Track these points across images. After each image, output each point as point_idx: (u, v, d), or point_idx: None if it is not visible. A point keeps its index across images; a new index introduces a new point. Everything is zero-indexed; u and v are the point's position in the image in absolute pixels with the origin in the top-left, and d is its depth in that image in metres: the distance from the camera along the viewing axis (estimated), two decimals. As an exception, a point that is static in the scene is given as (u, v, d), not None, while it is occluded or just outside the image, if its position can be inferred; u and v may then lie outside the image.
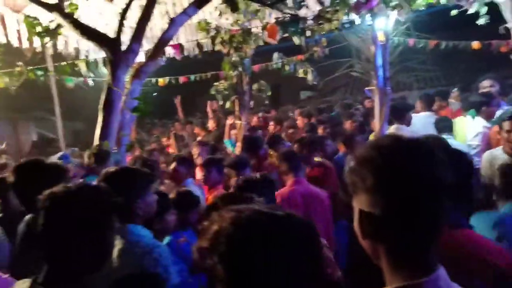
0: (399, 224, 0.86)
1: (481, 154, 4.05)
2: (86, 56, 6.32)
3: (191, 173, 4.06)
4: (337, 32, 3.79)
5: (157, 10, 5.96)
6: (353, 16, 4.36)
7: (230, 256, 0.82)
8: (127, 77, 3.32)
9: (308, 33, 4.04)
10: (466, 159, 1.56)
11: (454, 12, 4.30)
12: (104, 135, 2.99)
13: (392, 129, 4.46)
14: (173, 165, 3.97)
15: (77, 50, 6.26)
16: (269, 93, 4.48)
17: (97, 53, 6.29)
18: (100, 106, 3.06)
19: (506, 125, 3.12)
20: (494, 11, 3.65)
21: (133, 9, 4.03)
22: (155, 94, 15.01)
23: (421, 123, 4.85)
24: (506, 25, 3.48)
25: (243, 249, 0.82)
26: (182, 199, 2.80)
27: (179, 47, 5.29)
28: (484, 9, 4.06)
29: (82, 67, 5.83)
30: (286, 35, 4.56)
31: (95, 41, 3.16)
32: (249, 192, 1.77)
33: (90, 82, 7.82)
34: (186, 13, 3.41)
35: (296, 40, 4.06)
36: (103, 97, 3.06)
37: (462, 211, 1.46)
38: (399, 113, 4.58)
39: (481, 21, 4.06)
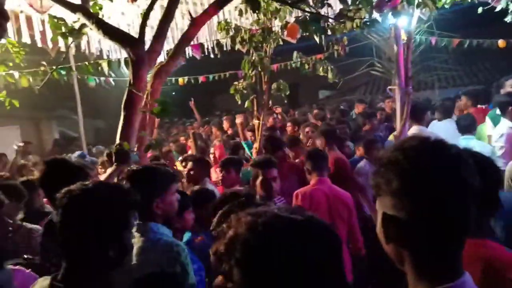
0: (425, 228, 0.85)
1: (506, 157, 3.94)
2: (108, 56, 6.44)
3: (207, 174, 4.08)
4: (358, 31, 3.72)
5: (178, 10, 6.05)
6: (375, 14, 4.30)
7: (247, 262, 0.81)
8: (148, 77, 3.35)
9: (329, 32, 4.00)
10: (494, 166, 1.51)
11: (480, 10, 4.19)
12: (125, 135, 3.02)
13: (413, 130, 4.38)
14: (189, 166, 4.00)
15: (99, 50, 6.36)
16: (288, 93, 4.45)
17: (119, 53, 6.41)
18: (122, 105, 3.10)
19: None
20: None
21: (155, 10, 4.08)
22: (173, 93, 15.17)
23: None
24: (536, 22, 3.35)
25: (260, 255, 0.80)
26: (198, 196, 2.82)
27: (199, 47, 5.31)
28: (511, 6, 3.94)
29: (104, 66, 5.93)
30: (306, 34, 4.54)
31: (118, 41, 3.19)
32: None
33: (112, 81, 7.96)
34: (207, 13, 3.41)
35: (316, 38, 4.02)
36: (124, 97, 3.10)
37: (488, 219, 1.41)
38: (420, 113, 4.49)
39: (508, 18, 3.94)
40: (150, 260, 1.79)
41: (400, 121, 4.00)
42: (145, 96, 3.01)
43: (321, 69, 4.78)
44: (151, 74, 3.32)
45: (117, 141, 2.95)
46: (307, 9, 3.38)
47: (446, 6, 3.90)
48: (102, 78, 7.85)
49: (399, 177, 0.85)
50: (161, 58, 3.92)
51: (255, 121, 4.64)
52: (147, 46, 3.22)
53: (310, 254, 0.80)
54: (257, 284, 0.80)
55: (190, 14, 3.43)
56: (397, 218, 0.86)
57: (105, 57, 6.42)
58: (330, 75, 4.78)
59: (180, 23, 5.69)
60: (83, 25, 3.28)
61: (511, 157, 3.67)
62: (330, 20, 3.79)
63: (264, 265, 0.79)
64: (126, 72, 6.13)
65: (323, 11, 3.84)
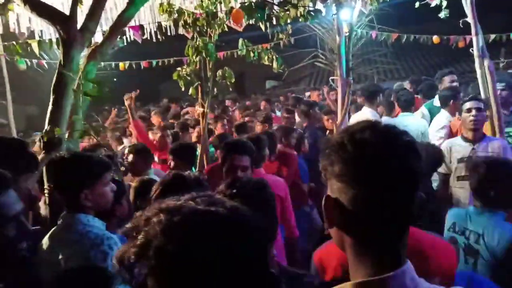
0: (366, 214, 0.82)
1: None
2: (40, 36, 5.95)
3: (149, 164, 3.94)
4: (303, 21, 3.74)
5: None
6: (319, 5, 4.35)
7: (162, 270, 0.70)
8: (82, 58, 3.13)
9: (274, 20, 3.98)
10: (437, 151, 1.58)
11: (417, 5, 4.38)
12: (55, 120, 2.80)
13: (364, 112, 4.55)
14: (130, 157, 3.82)
15: (30, 30, 5.88)
16: (233, 80, 4.37)
17: (53, 34, 5.95)
18: (52, 88, 2.86)
19: (466, 105, 3.27)
20: (456, 6, 3.73)
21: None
22: (115, 79, 14.49)
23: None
24: (466, 19, 3.57)
25: (179, 261, 0.69)
26: (141, 186, 2.69)
27: (140, 28, 5.06)
28: (444, 3, 4.16)
29: (34, 47, 5.48)
30: (252, 22, 4.48)
31: (47, 17, 2.93)
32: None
33: (46, 64, 7.41)
34: (147, -7, 3.24)
35: (262, 26, 3.98)
36: (54, 78, 2.86)
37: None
38: (372, 95, 4.68)
39: (442, 15, 4.16)
40: (78, 253, 1.66)
41: (341, 110, 4.11)
42: (77, 78, 2.80)
43: (266, 58, 4.76)
44: (85, 55, 3.10)
45: (46, 126, 2.73)
46: (251, -6, 3.32)
47: (386, 0, 4.03)
48: (35, 61, 7.28)
49: (343, 160, 0.83)
50: (99, 39, 3.68)
51: (199, 109, 4.53)
52: (80, 25, 3.00)
53: (237, 253, 0.73)
54: None
55: (129, -7, 3.23)
56: (340, 202, 0.83)
57: (36, 37, 5.93)
58: (275, 65, 4.77)
59: (120, 4, 5.39)
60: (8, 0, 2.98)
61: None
62: (275, 8, 3.77)
63: (185, 271, 0.69)
64: (59, 55, 5.71)
65: (268, -2, 3.81)
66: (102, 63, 9.32)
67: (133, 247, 0.72)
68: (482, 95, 3.49)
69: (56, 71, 2.88)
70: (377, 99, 4.93)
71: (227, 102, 9.25)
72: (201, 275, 0.70)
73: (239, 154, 2.77)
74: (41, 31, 6.04)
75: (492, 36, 8.47)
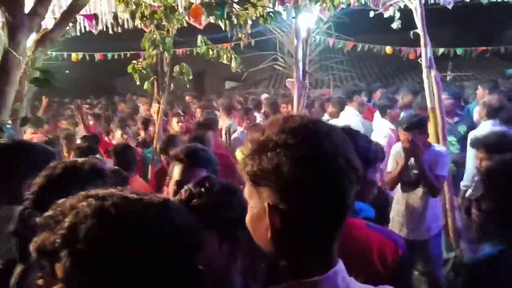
0: (305, 218, 0.78)
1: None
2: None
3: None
4: (262, 23, 3.77)
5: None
6: (279, 8, 4.41)
7: (91, 254, 0.65)
8: (29, 44, 2.97)
9: (234, 20, 3.98)
10: (376, 147, 1.62)
11: (371, 14, 4.56)
12: (-3, 106, 2.63)
13: (349, 111, 4.70)
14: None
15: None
16: (191, 77, 4.33)
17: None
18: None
19: (400, 132, 3.34)
20: (408, 19, 3.92)
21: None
22: (67, 71, 13.87)
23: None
24: (416, 30, 3.76)
25: (108, 245, 0.66)
26: None
27: (94, 18, 4.88)
28: (397, 14, 4.37)
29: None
30: (212, 21, 4.46)
31: (-9, -2, 2.75)
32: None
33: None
34: (103, -20, 3.13)
35: (221, 24, 3.98)
36: (-2, 62, 2.69)
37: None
38: (351, 94, 4.91)
39: (394, 25, 4.36)
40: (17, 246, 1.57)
41: (297, 110, 4.19)
42: (24, 64, 2.65)
43: (224, 57, 4.76)
44: (33, 40, 2.94)
45: (-14, 113, 2.56)
46: (212, -9, 3.30)
47: (343, 6, 4.16)
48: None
49: (291, 162, 0.76)
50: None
51: (155, 105, 4.45)
52: (28, 9, 2.84)
53: (174, 243, 0.71)
54: (100, 282, 0.66)
55: (84, -21, 3.11)
56: (280, 208, 0.78)
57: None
58: (233, 64, 4.78)
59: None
60: None
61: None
62: (235, 7, 3.78)
63: (116, 255, 0.66)
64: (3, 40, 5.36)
65: (228, -4, 3.81)
66: (54, 53, 8.90)
67: (57, 232, 0.67)
68: (428, 104, 3.69)
69: (0, 55, 2.71)
70: (355, 98, 5.09)
71: (187, 98, 9.12)
72: (131, 260, 0.67)
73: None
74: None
75: (441, 50, 9.00)
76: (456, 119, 4.38)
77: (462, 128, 4.29)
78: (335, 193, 0.78)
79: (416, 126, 3.18)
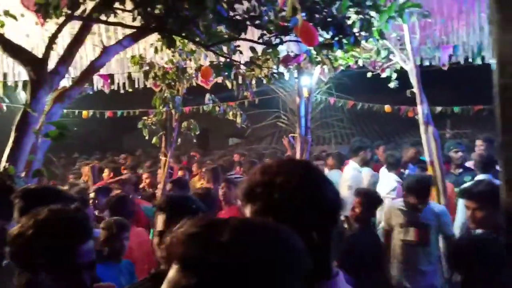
0: None
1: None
2: (4, 78, 5.91)
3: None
4: (267, 82, 4.02)
5: (91, 41, 5.88)
6: (282, 69, 4.70)
7: None
8: (48, 101, 3.17)
9: (240, 79, 4.24)
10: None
11: (369, 75, 4.83)
12: (13, 158, 2.76)
13: (352, 164, 5.09)
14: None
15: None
16: (198, 132, 4.51)
17: (17, 77, 5.92)
18: (14, 126, 2.86)
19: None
20: (406, 79, 4.14)
21: (65, 37, 3.93)
22: (75, 128, 14.21)
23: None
24: (412, 89, 3.98)
25: None
26: None
27: (109, 77, 5.18)
28: (394, 75, 4.63)
29: (-1, 89, 5.43)
30: (220, 81, 4.73)
31: (19, 58, 3.00)
32: None
33: (5, 107, 7.26)
34: (121, 44, 3.40)
35: (228, 84, 4.23)
36: (17, 117, 2.87)
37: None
38: (356, 150, 5.22)
39: (391, 85, 4.61)
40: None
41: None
42: (41, 119, 2.82)
43: (230, 113, 4.99)
44: (51, 98, 3.14)
45: (3, 164, 2.68)
46: (220, 53, 3.56)
47: (342, 68, 4.43)
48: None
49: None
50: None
51: (162, 158, 4.59)
52: (51, 69, 3.07)
53: None
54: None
55: (103, 43, 3.39)
56: None
57: (0, 78, 5.89)
58: (238, 120, 5.00)
59: (91, 55, 5.52)
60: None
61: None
62: (242, 68, 4.04)
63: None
64: (22, 99, 5.66)
65: (235, 57, 4.09)
66: (65, 110, 9.25)
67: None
68: (427, 158, 3.81)
69: (21, 110, 2.90)
70: (361, 154, 5.23)
71: (193, 153, 9.36)
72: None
73: None
74: (6, 73, 6.01)
75: (439, 109, 9.30)
76: (460, 170, 4.51)
77: (467, 178, 4.38)
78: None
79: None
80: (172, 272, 0.69)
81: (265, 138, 15.44)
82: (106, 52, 3.31)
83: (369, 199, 3.52)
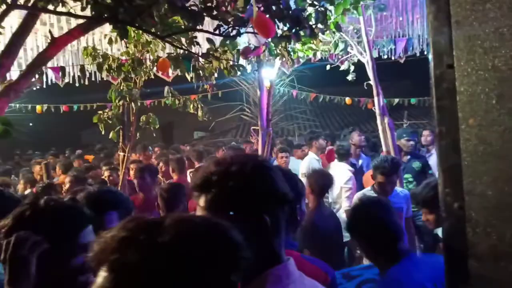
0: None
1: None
2: None
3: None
4: (228, 76, 3.97)
5: (41, 32, 5.59)
6: (242, 62, 4.66)
7: None
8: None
9: (200, 73, 4.16)
10: (298, 180, 1.82)
11: (328, 67, 4.89)
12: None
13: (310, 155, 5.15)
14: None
15: None
16: (157, 126, 4.40)
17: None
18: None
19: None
20: (365, 72, 4.21)
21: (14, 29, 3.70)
22: (30, 124, 13.60)
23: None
24: (369, 81, 4.06)
25: None
26: None
27: (60, 70, 4.95)
28: (352, 67, 4.72)
29: None
30: (179, 73, 4.62)
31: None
32: None
33: None
34: (71, 35, 3.24)
35: (188, 76, 4.14)
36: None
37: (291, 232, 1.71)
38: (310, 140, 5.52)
39: (349, 77, 4.69)
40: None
41: (261, 159, 4.30)
42: (-15, 114, 2.64)
43: (191, 106, 4.89)
44: (-4, 92, 2.95)
45: None
46: (178, 45, 3.48)
47: (301, 60, 4.45)
48: None
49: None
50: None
51: (121, 153, 4.44)
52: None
53: None
54: None
55: (51, 34, 3.21)
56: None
57: None
58: (200, 113, 4.92)
59: (42, 47, 5.26)
60: None
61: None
62: (201, 60, 3.97)
63: None
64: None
65: (194, 50, 4.00)
66: (17, 105, 8.79)
67: None
68: (383, 148, 3.91)
69: (-39, 105, 2.70)
70: (315, 143, 5.54)
71: (156, 149, 9.16)
72: None
73: None
74: None
75: (396, 100, 9.59)
76: (408, 157, 4.64)
77: (415, 164, 4.54)
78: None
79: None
80: (102, 279, 0.65)
81: (230, 131, 15.40)
82: (55, 43, 3.14)
83: (317, 180, 3.54)
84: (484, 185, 0.70)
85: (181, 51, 3.74)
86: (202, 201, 1.00)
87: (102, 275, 0.65)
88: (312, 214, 3.42)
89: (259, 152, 4.41)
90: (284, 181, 1.05)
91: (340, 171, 4.59)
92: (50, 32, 3.30)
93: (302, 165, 5.31)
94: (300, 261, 1.55)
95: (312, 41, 3.45)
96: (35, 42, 5.68)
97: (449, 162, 0.74)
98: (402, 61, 6.16)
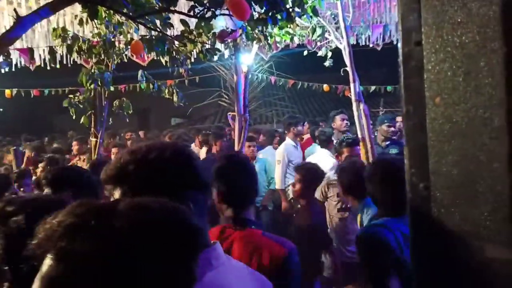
0: None
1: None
2: None
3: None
4: (204, 60, 3.88)
5: (9, 12, 5.33)
6: (218, 45, 4.58)
7: None
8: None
9: (175, 54, 4.06)
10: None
11: (305, 53, 4.86)
12: None
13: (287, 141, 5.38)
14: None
15: None
16: (131, 111, 4.29)
17: None
18: None
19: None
20: (342, 59, 4.17)
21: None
22: (0, 109, 13.12)
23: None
24: (346, 68, 4.06)
25: None
26: None
27: (29, 52, 4.74)
28: (329, 53, 4.71)
29: None
30: (155, 57, 4.49)
31: None
32: None
33: None
34: (38, 14, 3.09)
35: (162, 60, 4.04)
36: None
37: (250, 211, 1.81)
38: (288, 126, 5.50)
39: (327, 63, 4.68)
40: None
41: (238, 143, 4.27)
42: None
43: (166, 91, 4.79)
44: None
45: None
46: (152, 27, 3.37)
47: (279, 46, 4.41)
48: None
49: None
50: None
51: (92, 139, 4.33)
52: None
53: None
54: None
55: (17, 13, 3.05)
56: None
57: None
58: (175, 99, 4.82)
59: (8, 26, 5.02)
60: None
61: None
62: (176, 43, 3.87)
63: None
64: None
65: (169, 32, 3.90)
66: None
67: None
68: (359, 135, 3.94)
69: None
70: (292, 129, 5.38)
71: (128, 134, 8.98)
72: None
73: None
74: None
75: (373, 88, 9.69)
76: (387, 143, 4.68)
77: (394, 150, 4.57)
78: None
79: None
80: (48, 268, 0.60)
81: (208, 117, 15.28)
82: (21, 23, 2.99)
83: (309, 174, 3.45)
84: (449, 164, 0.69)
85: (155, 33, 3.63)
86: (117, 194, 0.94)
87: (47, 263, 0.60)
88: (309, 213, 3.40)
89: (236, 138, 4.38)
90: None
91: (323, 159, 4.35)
92: (15, 10, 3.14)
93: (278, 152, 5.26)
94: (261, 237, 1.71)
95: (289, 25, 3.40)
96: (2, 22, 5.42)
97: (416, 142, 0.73)
98: (379, 48, 6.19)
